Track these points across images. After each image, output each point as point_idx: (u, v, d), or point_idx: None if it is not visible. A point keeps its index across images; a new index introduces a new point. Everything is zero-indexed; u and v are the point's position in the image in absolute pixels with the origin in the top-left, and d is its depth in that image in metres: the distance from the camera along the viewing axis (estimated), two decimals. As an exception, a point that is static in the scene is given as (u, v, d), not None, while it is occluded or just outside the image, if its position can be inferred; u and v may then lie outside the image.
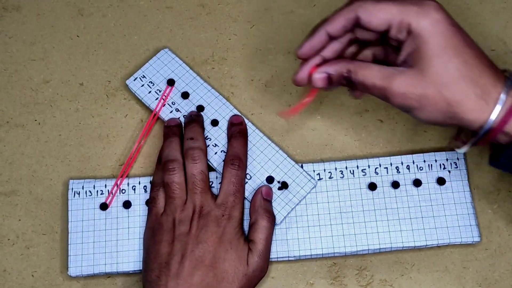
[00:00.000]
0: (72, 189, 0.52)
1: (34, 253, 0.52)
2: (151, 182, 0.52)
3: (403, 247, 0.50)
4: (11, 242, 0.52)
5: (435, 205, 0.51)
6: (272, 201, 0.51)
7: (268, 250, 0.49)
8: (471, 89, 0.40)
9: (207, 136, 0.53)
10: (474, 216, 0.51)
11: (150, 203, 0.50)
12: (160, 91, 0.55)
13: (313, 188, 0.52)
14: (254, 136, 0.53)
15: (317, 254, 0.50)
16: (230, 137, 0.53)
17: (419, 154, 0.52)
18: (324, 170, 0.53)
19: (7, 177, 0.54)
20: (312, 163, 0.53)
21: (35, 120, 0.56)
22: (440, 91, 0.40)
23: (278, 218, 0.50)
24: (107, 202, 0.52)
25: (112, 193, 0.52)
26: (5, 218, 0.53)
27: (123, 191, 0.52)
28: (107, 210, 0.51)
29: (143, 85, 0.55)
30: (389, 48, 0.45)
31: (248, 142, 0.53)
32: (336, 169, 0.53)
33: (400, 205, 0.51)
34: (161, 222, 0.48)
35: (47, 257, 0.52)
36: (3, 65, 0.57)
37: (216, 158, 0.52)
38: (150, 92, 0.55)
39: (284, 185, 0.52)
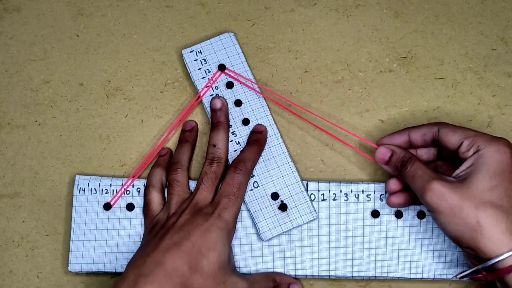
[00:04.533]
0: (78, 185, 0.52)
1: (38, 254, 0.53)
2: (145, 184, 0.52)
3: (398, 277, 0.50)
4: (16, 243, 0.53)
5: (436, 239, 0.50)
6: (268, 217, 0.51)
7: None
8: (503, 220, 0.42)
9: (233, 131, 0.53)
10: None
11: (144, 207, 0.52)
12: (209, 71, 0.54)
13: (311, 220, 0.51)
14: (277, 148, 0.53)
15: (312, 275, 0.50)
16: (246, 142, 0.53)
17: None
18: (329, 191, 0.52)
19: (10, 179, 0.54)
20: (317, 182, 0.52)
21: (36, 121, 0.56)
22: (477, 208, 0.42)
23: (266, 235, 0.50)
24: (111, 203, 0.52)
25: (118, 192, 0.52)
26: (9, 220, 0.53)
27: (128, 192, 0.53)
28: (110, 210, 0.52)
29: (196, 60, 0.55)
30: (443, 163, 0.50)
31: (270, 153, 0.52)
32: (341, 191, 0.52)
33: (401, 235, 0.51)
34: (158, 218, 0.50)
35: (51, 258, 0.53)
36: (3, 66, 0.57)
37: (234, 155, 0.52)
38: (200, 68, 0.54)
39: (284, 207, 0.51)
